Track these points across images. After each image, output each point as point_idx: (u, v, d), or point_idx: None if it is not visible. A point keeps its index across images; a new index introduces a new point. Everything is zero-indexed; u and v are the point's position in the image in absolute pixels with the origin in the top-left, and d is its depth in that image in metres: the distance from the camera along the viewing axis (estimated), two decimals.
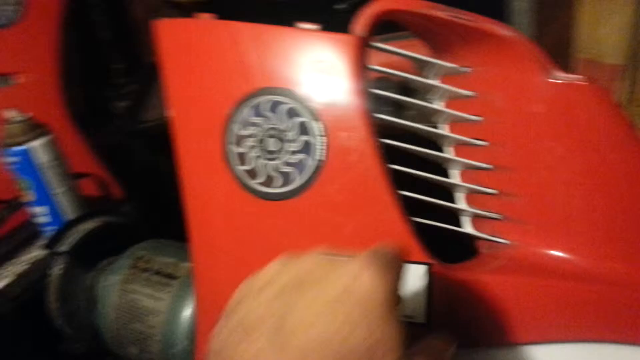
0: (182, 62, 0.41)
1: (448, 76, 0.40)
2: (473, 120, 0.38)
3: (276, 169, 0.37)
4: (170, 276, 0.47)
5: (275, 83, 0.37)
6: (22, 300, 0.53)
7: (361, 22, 0.35)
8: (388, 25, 0.37)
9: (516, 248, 0.37)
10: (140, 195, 0.78)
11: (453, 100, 0.40)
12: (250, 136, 0.37)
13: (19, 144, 0.55)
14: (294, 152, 0.36)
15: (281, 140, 0.36)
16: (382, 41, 0.66)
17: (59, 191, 0.58)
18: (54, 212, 0.58)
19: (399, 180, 0.36)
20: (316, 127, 0.36)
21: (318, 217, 0.36)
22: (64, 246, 0.52)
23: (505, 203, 0.38)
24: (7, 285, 0.54)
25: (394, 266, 0.27)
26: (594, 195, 0.35)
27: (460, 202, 0.40)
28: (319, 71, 0.36)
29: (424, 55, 0.41)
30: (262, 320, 0.24)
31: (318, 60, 0.36)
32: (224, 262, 0.40)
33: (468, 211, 0.39)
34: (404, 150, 0.37)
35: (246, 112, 0.37)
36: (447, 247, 0.37)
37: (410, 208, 0.36)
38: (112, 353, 0.50)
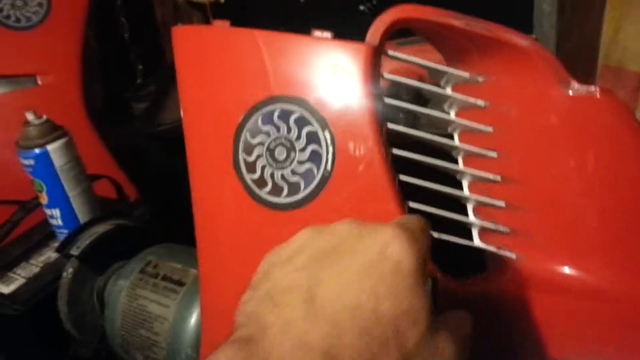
0: (196, 69, 0.41)
1: (461, 85, 0.39)
2: (484, 131, 0.37)
3: (283, 178, 0.36)
4: (178, 283, 0.47)
5: (286, 91, 0.36)
6: (33, 303, 0.54)
7: (375, 30, 0.35)
8: (402, 30, 0.37)
9: (524, 262, 0.36)
10: (155, 198, 0.79)
11: (465, 109, 0.39)
12: (259, 144, 0.37)
13: (36, 147, 0.55)
14: (301, 162, 0.36)
15: (289, 149, 0.36)
16: (396, 46, 0.65)
17: (73, 193, 0.59)
18: (67, 215, 0.59)
19: (407, 191, 0.35)
20: (325, 136, 0.35)
21: None
22: (75, 250, 0.52)
23: (514, 216, 0.37)
24: (18, 288, 0.55)
25: (423, 238, 0.26)
26: (608, 211, 0.34)
27: (469, 214, 0.39)
28: (330, 80, 0.35)
29: (437, 62, 0.40)
30: (291, 290, 0.24)
31: (329, 68, 0.35)
32: (229, 270, 0.40)
33: (476, 223, 0.38)
34: (413, 160, 0.36)
35: (256, 120, 0.37)
36: (454, 259, 0.36)
37: None
38: (119, 358, 0.50)
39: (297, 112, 0.36)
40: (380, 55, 0.35)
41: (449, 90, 0.40)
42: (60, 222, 0.59)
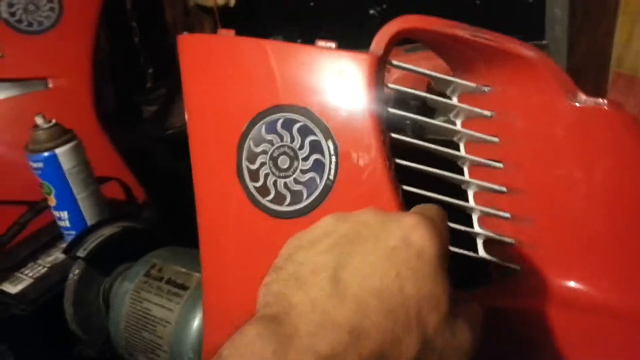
0: (201, 77, 0.41)
1: (467, 94, 0.39)
2: (490, 141, 0.37)
3: (286, 187, 0.36)
4: (182, 286, 0.47)
5: (289, 100, 0.36)
6: (40, 304, 0.54)
7: (379, 40, 0.34)
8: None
9: (529, 275, 0.36)
10: (162, 200, 0.79)
11: (471, 119, 0.39)
12: (262, 153, 0.37)
13: (44, 150, 0.56)
14: (304, 171, 0.36)
15: (292, 158, 0.36)
16: (404, 52, 0.65)
17: (81, 196, 0.59)
18: (75, 217, 0.60)
19: (411, 200, 0.35)
20: (328, 145, 0.35)
21: None
22: (82, 252, 0.53)
23: (519, 227, 0.36)
24: (26, 288, 0.55)
25: (443, 227, 0.27)
26: (615, 226, 0.33)
27: (474, 225, 0.38)
28: (333, 89, 0.35)
29: (444, 69, 0.40)
30: (317, 272, 0.25)
31: (334, 78, 0.35)
32: (232, 276, 0.40)
33: (481, 234, 0.38)
34: (418, 170, 0.36)
35: (260, 129, 0.37)
36: (458, 271, 0.36)
37: None
38: (123, 359, 0.51)
39: (301, 121, 0.36)
40: (385, 65, 0.35)
41: (455, 100, 0.40)
42: (68, 224, 0.60)
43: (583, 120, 0.33)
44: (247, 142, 0.38)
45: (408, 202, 0.35)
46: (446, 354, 0.25)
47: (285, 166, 0.36)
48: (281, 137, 0.36)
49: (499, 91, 0.37)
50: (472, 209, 0.38)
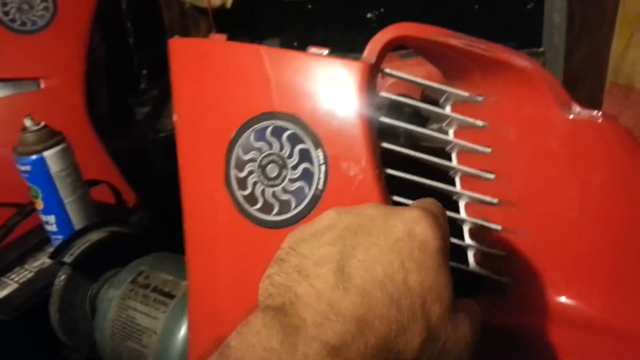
0: (191, 82, 0.41)
1: (460, 103, 0.38)
2: (482, 152, 0.36)
3: (274, 196, 0.35)
4: (168, 295, 0.46)
5: (279, 108, 0.35)
6: (24, 309, 0.53)
7: (372, 48, 0.34)
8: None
9: (520, 288, 0.35)
10: (156, 203, 0.78)
11: (464, 128, 0.38)
12: (250, 161, 0.36)
13: (32, 153, 0.55)
14: (293, 180, 0.35)
15: (281, 166, 0.35)
16: (399, 57, 0.64)
17: (68, 200, 0.58)
18: (62, 221, 0.59)
19: None
20: (317, 155, 0.34)
21: None
22: (68, 257, 0.52)
23: (511, 240, 0.35)
24: (11, 294, 0.54)
25: (444, 222, 0.28)
26: (608, 240, 0.33)
27: (465, 237, 0.38)
28: (324, 97, 0.34)
29: (438, 77, 0.39)
30: (321, 264, 0.25)
31: (325, 86, 0.34)
32: (218, 286, 0.39)
33: (472, 246, 0.37)
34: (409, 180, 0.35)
35: (249, 136, 0.36)
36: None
37: None
38: None
39: (290, 129, 0.35)
40: (377, 73, 0.35)
41: (448, 109, 0.39)
42: (55, 228, 0.59)
43: (577, 132, 0.32)
44: (235, 149, 0.37)
45: None
46: (448, 345, 0.25)
47: (274, 175, 0.35)
48: (270, 145, 0.35)
49: (492, 101, 0.36)
50: (463, 221, 0.37)
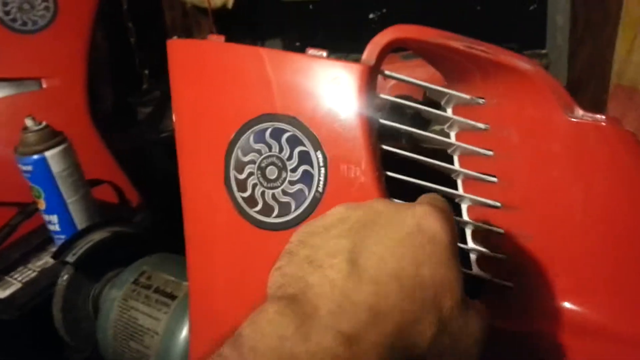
0: (190, 83, 0.40)
1: (461, 106, 0.38)
2: (484, 154, 0.36)
3: (274, 198, 0.35)
4: (170, 296, 0.46)
5: (279, 109, 0.35)
6: (28, 309, 0.54)
7: (371, 50, 0.34)
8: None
9: (522, 293, 0.35)
10: (158, 203, 0.78)
11: (466, 131, 0.38)
12: (250, 162, 0.36)
13: (34, 153, 0.55)
14: (292, 182, 0.35)
15: (280, 168, 0.35)
16: (402, 59, 0.64)
17: (71, 200, 0.58)
18: (65, 221, 0.59)
19: None
20: (317, 157, 0.34)
21: None
22: (71, 257, 0.52)
23: (513, 244, 0.35)
24: (14, 293, 0.55)
25: (452, 217, 0.28)
26: (612, 245, 0.32)
27: (467, 239, 0.37)
28: (324, 99, 0.34)
29: (439, 78, 0.39)
30: (333, 255, 0.25)
31: (324, 88, 0.34)
32: (218, 287, 0.39)
33: (474, 249, 0.37)
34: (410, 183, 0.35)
35: (248, 138, 0.36)
36: None
37: None
38: None
39: (290, 131, 0.35)
40: (377, 75, 0.34)
41: (449, 111, 0.39)
42: (58, 228, 0.59)
43: (580, 135, 0.32)
44: (235, 150, 0.37)
45: None
46: (459, 339, 0.25)
47: (274, 177, 0.35)
48: (269, 147, 0.35)
49: (494, 103, 0.36)
50: (465, 223, 0.37)
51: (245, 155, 0.36)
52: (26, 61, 0.76)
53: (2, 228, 0.60)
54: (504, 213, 0.36)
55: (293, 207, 0.35)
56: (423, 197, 0.29)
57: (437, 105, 0.39)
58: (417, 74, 0.40)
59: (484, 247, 0.37)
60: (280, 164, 0.35)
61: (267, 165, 0.36)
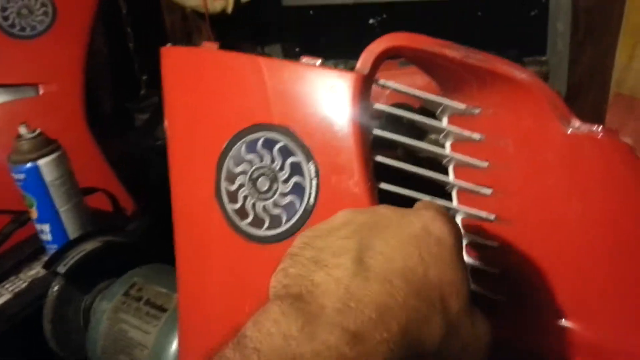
0: (183, 91, 0.40)
1: (457, 115, 0.37)
2: (479, 166, 0.35)
3: (265, 210, 0.35)
4: (160, 308, 0.46)
5: (271, 119, 0.35)
6: (18, 320, 0.53)
7: (366, 58, 0.33)
8: None
9: (515, 308, 0.34)
10: (155, 210, 0.77)
11: (460, 142, 0.37)
12: (241, 173, 0.35)
13: (27, 161, 0.54)
14: (284, 194, 0.34)
15: (272, 180, 0.34)
16: (400, 65, 0.63)
17: (63, 209, 0.58)
18: (57, 230, 0.58)
19: None
20: (309, 168, 0.33)
21: None
22: (62, 267, 0.51)
23: (507, 257, 0.34)
24: (4, 304, 0.54)
25: (454, 220, 0.28)
26: (609, 260, 0.31)
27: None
28: (316, 109, 0.33)
29: (434, 88, 0.38)
30: (339, 254, 0.25)
31: (316, 97, 0.33)
32: (208, 300, 0.38)
33: (468, 263, 0.36)
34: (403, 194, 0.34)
35: (240, 148, 0.35)
36: None
37: None
38: None
39: (282, 141, 0.34)
40: (371, 84, 0.34)
41: (445, 122, 0.38)
42: (49, 238, 0.58)
43: (576, 147, 0.31)
44: (226, 161, 0.36)
45: None
46: (468, 342, 0.25)
47: (265, 188, 0.35)
48: (261, 158, 0.35)
49: (490, 113, 0.35)
50: None
51: (236, 165, 0.35)
52: (24, 67, 0.75)
53: None
54: (499, 225, 0.35)
55: (284, 219, 0.34)
56: (420, 203, 0.29)
57: (433, 116, 0.38)
58: (415, 81, 0.39)
59: (478, 260, 0.36)
60: (271, 175, 0.34)
61: (258, 177, 0.35)
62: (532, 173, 0.33)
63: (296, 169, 0.34)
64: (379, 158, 0.34)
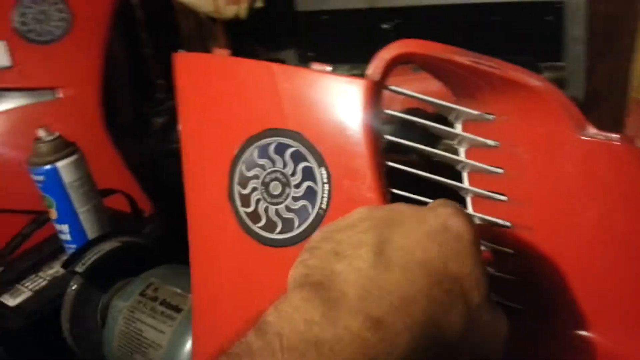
0: (196, 96, 0.41)
1: (471, 121, 0.37)
2: (494, 172, 0.35)
3: (277, 214, 0.35)
4: (175, 308, 0.46)
5: (283, 124, 0.35)
6: (36, 318, 0.54)
7: (377, 65, 0.33)
8: None
9: (530, 316, 0.34)
10: (172, 213, 0.78)
11: (474, 148, 0.37)
12: (254, 177, 0.36)
13: (46, 163, 0.56)
14: (296, 198, 0.34)
15: (284, 184, 0.35)
16: (413, 71, 0.63)
17: (82, 210, 0.59)
18: (76, 231, 0.59)
19: None
20: (321, 173, 0.34)
21: None
22: (80, 267, 0.52)
23: (522, 264, 0.34)
24: (24, 301, 0.55)
25: (471, 218, 0.28)
26: (625, 270, 0.31)
27: None
28: (328, 114, 0.34)
29: (446, 96, 0.38)
30: (359, 247, 0.25)
31: (328, 103, 0.34)
32: (221, 302, 0.39)
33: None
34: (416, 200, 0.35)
35: (252, 153, 0.36)
36: None
37: None
38: None
39: (294, 146, 0.34)
40: (381, 90, 0.34)
41: (458, 127, 0.38)
42: (69, 238, 0.60)
43: (592, 154, 0.31)
44: (239, 165, 0.36)
45: None
46: (486, 336, 0.25)
47: (277, 192, 0.35)
48: (273, 162, 0.35)
49: (504, 120, 0.35)
50: None
51: (249, 170, 0.36)
52: (42, 71, 0.77)
53: (15, 237, 0.60)
54: (515, 233, 0.35)
55: (296, 223, 0.34)
56: (437, 201, 0.29)
57: (446, 121, 0.38)
58: (429, 87, 0.39)
59: (494, 267, 0.35)
60: (284, 179, 0.35)
61: (270, 181, 0.35)
62: (548, 180, 0.33)
63: (308, 174, 0.34)
64: (390, 163, 0.34)
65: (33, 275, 0.60)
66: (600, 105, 0.71)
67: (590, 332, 0.32)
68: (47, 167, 0.56)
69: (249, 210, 0.36)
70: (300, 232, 0.34)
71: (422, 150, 0.35)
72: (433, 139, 0.44)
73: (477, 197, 0.37)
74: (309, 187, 0.34)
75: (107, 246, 0.56)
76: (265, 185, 0.35)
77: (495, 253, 0.35)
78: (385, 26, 0.89)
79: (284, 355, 0.21)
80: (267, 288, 0.36)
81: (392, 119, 0.36)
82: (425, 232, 0.25)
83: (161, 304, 0.47)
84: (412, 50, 0.32)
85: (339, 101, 0.33)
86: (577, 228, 0.32)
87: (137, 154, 0.85)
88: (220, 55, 0.38)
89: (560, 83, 0.73)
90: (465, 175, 0.38)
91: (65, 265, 0.54)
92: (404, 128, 0.39)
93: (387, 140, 0.34)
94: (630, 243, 0.31)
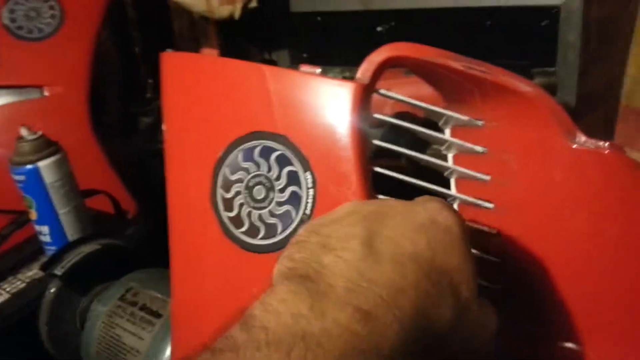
0: (182, 97, 0.40)
1: (460, 127, 0.36)
2: (481, 179, 0.34)
3: (261, 219, 0.34)
4: (155, 314, 0.45)
5: (268, 127, 0.34)
6: (13, 321, 0.53)
7: (366, 68, 0.32)
8: None
9: (520, 331, 0.33)
10: (158, 214, 0.77)
11: (463, 154, 0.36)
12: (238, 181, 0.35)
13: (27, 163, 0.54)
14: (280, 203, 0.33)
15: (268, 188, 0.34)
16: (405, 74, 0.63)
17: (63, 211, 0.58)
18: (56, 232, 0.58)
19: None
20: (306, 178, 0.33)
21: None
22: (59, 269, 0.51)
23: (510, 273, 0.33)
24: (1, 304, 0.54)
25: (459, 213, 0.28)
26: (614, 281, 0.30)
27: None
28: (315, 118, 0.33)
29: (436, 101, 0.37)
30: (347, 239, 0.24)
31: (315, 106, 0.33)
32: (201, 308, 0.38)
33: None
34: None
35: (237, 156, 0.35)
36: None
37: None
38: None
39: (279, 150, 0.33)
40: (371, 94, 0.33)
41: (447, 133, 0.37)
42: (49, 239, 0.58)
43: (581, 162, 0.30)
44: (223, 168, 0.35)
45: None
46: (475, 329, 0.25)
47: (261, 197, 0.34)
48: (258, 166, 0.34)
49: (493, 126, 0.35)
50: None
51: (233, 173, 0.35)
52: (30, 69, 0.75)
53: None
54: (502, 240, 0.34)
55: (280, 229, 0.33)
56: (424, 197, 0.29)
57: (436, 126, 0.37)
58: (420, 90, 0.38)
59: (480, 276, 0.35)
60: (268, 183, 0.34)
61: (254, 185, 0.34)
62: (537, 187, 0.32)
63: (293, 178, 0.33)
64: (377, 169, 0.33)
65: (11, 277, 0.59)
66: (593, 112, 0.71)
67: (576, 341, 0.31)
68: (29, 166, 0.54)
69: (232, 214, 0.35)
70: (283, 238, 0.33)
71: (409, 155, 0.35)
72: (422, 143, 0.43)
73: (464, 203, 0.36)
74: (293, 192, 0.33)
75: (87, 248, 0.55)
76: (249, 189, 0.34)
77: (482, 260, 0.35)
78: (379, 29, 0.88)
79: (270, 350, 0.20)
80: (248, 294, 0.35)
81: (381, 123, 0.35)
82: (414, 226, 0.25)
83: (141, 309, 0.46)
84: (403, 53, 0.32)
85: (328, 104, 0.32)
86: (565, 235, 0.32)
87: (124, 153, 0.84)
88: (209, 55, 0.37)
89: (553, 88, 0.73)
90: (452, 181, 0.37)
91: (44, 267, 0.53)
92: (393, 132, 0.39)
93: (375, 144, 0.33)
94: (620, 251, 0.30)
